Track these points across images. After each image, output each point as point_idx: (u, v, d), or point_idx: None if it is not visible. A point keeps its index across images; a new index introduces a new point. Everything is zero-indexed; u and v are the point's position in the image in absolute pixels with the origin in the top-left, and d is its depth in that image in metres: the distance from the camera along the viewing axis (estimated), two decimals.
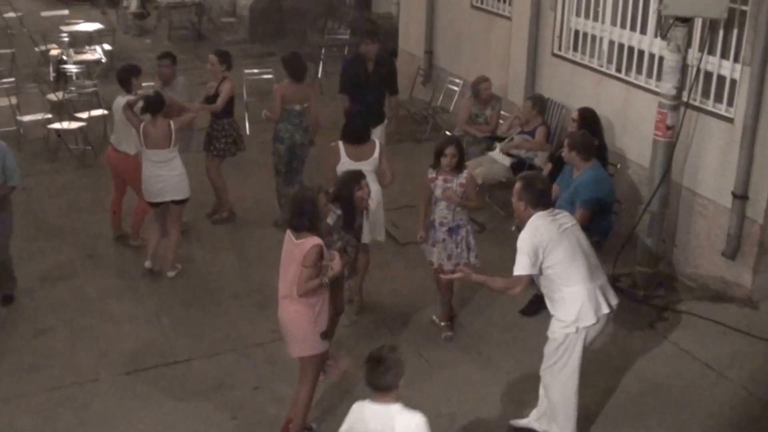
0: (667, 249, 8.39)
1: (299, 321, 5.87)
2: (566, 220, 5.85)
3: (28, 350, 7.35)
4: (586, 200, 7.44)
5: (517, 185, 5.86)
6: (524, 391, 6.64)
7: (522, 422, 6.29)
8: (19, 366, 7.12)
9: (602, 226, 7.69)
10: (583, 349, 5.82)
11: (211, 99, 9.39)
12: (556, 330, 5.84)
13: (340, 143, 7.68)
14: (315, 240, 5.70)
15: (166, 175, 8.25)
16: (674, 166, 7.97)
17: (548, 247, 5.61)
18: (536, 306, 7.71)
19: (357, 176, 6.67)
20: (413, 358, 7.13)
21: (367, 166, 7.42)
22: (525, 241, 5.65)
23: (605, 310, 5.76)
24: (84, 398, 6.72)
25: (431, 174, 7.18)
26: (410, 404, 6.53)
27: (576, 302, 5.68)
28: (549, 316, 7.55)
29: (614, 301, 5.87)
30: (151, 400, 6.69)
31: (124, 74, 8.82)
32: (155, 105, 8.19)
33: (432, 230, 7.22)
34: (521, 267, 5.64)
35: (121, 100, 8.74)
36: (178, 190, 8.35)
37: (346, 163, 7.50)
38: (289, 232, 5.85)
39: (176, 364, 7.14)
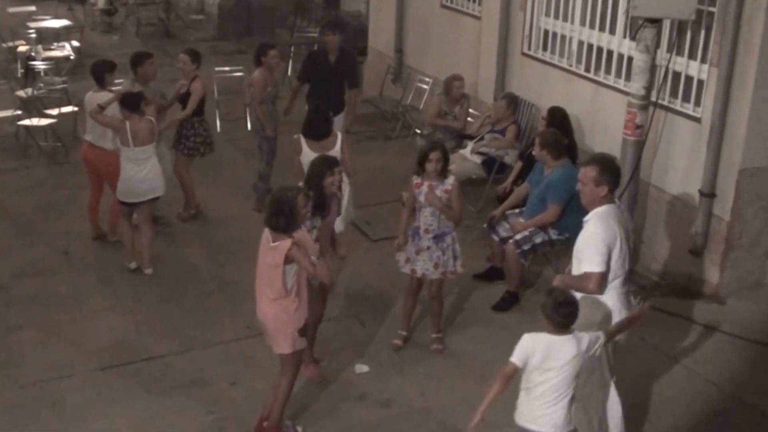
0: (635, 246, 8.52)
1: (276, 320, 5.90)
2: (627, 213, 5.65)
3: (1, 346, 7.30)
4: (557, 197, 7.57)
5: (592, 170, 5.49)
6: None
7: None
8: None
9: (574, 223, 7.79)
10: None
11: (183, 98, 9.39)
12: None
13: (302, 136, 7.81)
14: (288, 242, 5.69)
15: (150, 173, 8.25)
16: (643, 165, 8.09)
17: (615, 244, 5.45)
18: (509, 302, 7.86)
19: (329, 163, 6.62)
20: (386, 354, 7.23)
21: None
22: (599, 236, 5.42)
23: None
24: (59, 394, 6.70)
25: (416, 180, 7.02)
26: (383, 398, 6.65)
27: (608, 305, 5.54)
28: (520, 312, 7.77)
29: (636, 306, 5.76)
30: (127, 396, 6.70)
31: (99, 69, 8.80)
32: (134, 101, 8.18)
33: (416, 238, 7.05)
34: (596, 263, 5.40)
35: (93, 96, 8.72)
36: (159, 187, 8.40)
37: (308, 155, 7.57)
38: (266, 233, 5.85)
39: (152, 359, 7.14)
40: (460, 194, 7.12)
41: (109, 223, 9.12)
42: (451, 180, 7.01)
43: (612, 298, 5.54)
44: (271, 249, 5.75)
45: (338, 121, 9.80)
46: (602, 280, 5.42)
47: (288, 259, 5.69)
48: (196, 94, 9.29)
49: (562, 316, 4.92)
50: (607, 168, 5.54)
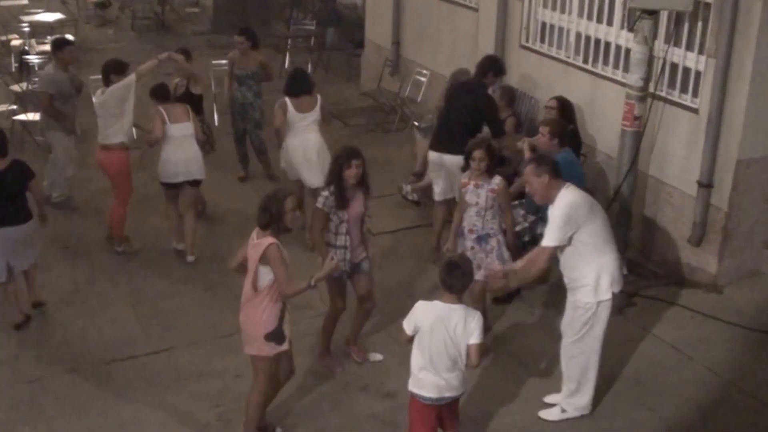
0: (634, 236, 8.58)
1: (246, 320, 5.84)
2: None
3: (4, 342, 7.33)
4: None
5: (530, 170, 5.98)
6: (496, 372, 6.89)
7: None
8: None
9: None
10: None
11: (181, 98, 9.34)
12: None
13: (287, 98, 8.65)
14: (269, 239, 5.66)
15: (186, 153, 8.45)
16: (641, 156, 8.13)
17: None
18: (510, 293, 7.88)
19: (347, 154, 6.50)
20: (386, 343, 7.26)
21: (311, 117, 8.68)
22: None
23: None
24: (64, 389, 6.73)
25: (464, 178, 6.95)
26: (387, 389, 6.70)
27: None
28: (521, 303, 7.81)
29: None
30: (131, 390, 6.73)
31: (107, 69, 8.74)
32: (160, 94, 8.56)
33: (461, 238, 6.97)
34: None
35: (101, 97, 8.71)
36: (197, 170, 8.58)
37: (293, 114, 8.60)
38: (253, 234, 5.83)
39: (156, 354, 7.18)
40: (508, 195, 7.02)
41: (115, 233, 8.90)
42: (497, 180, 6.89)
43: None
44: (253, 247, 5.73)
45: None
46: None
47: (264, 259, 5.64)
48: (201, 92, 9.44)
49: (445, 273, 5.22)
50: (542, 159, 6.04)
